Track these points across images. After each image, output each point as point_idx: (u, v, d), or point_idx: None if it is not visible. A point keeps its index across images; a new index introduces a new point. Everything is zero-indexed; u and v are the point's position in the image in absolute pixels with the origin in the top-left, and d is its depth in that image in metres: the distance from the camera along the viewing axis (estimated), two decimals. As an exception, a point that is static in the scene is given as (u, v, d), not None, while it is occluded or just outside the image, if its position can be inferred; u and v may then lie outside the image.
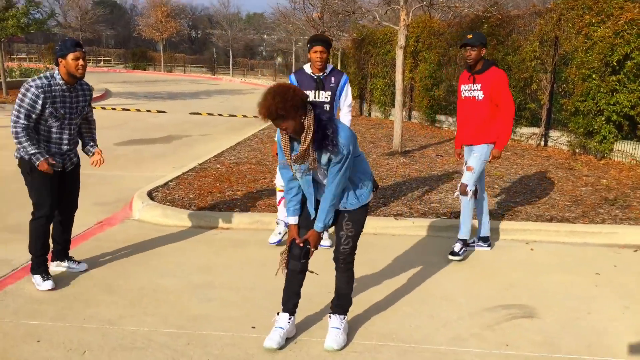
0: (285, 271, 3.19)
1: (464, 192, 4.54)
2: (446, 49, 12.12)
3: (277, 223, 4.81)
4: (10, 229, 4.97)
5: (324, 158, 2.88)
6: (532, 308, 3.67)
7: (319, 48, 4.25)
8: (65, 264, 4.05)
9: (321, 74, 4.39)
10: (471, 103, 4.53)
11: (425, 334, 3.29)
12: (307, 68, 4.44)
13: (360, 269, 4.23)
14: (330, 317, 3.24)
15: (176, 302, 3.61)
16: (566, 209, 5.79)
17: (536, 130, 10.03)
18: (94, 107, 15.78)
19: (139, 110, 15.53)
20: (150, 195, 5.82)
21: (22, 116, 3.54)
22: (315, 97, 4.37)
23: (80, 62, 3.59)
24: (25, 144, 3.57)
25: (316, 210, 3.10)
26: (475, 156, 4.52)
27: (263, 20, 51.81)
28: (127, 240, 4.75)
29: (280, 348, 3.09)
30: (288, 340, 3.17)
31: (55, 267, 4.01)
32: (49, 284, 3.71)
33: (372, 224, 5.15)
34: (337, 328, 3.17)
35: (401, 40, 8.51)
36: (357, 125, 13.39)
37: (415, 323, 3.42)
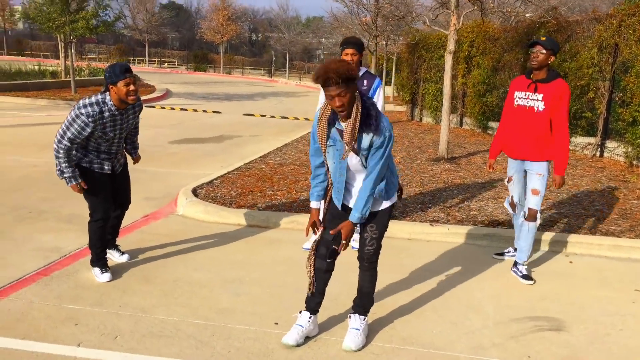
0: (312, 274, 3.21)
1: (533, 219, 4.20)
2: (501, 54, 11.86)
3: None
4: (64, 219, 5.33)
5: (366, 140, 2.83)
6: (561, 321, 3.59)
7: (350, 50, 4.28)
8: (111, 251, 4.30)
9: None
10: (527, 113, 4.13)
11: (446, 341, 3.29)
12: None
13: (389, 273, 4.28)
14: (350, 317, 3.29)
15: (207, 295, 3.78)
16: (612, 222, 5.58)
17: (592, 140, 9.65)
18: (154, 107, 16.52)
19: (195, 111, 16.08)
20: (194, 192, 6.06)
21: (66, 138, 3.59)
22: None
23: (131, 87, 3.59)
24: (63, 165, 3.67)
25: (343, 203, 3.12)
26: (540, 177, 4.15)
27: (322, 24, 52.15)
28: (169, 234, 4.99)
29: (298, 345, 3.17)
30: (308, 338, 3.26)
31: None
32: (107, 276, 3.92)
33: (407, 229, 5.16)
34: (357, 329, 3.22)
35: (451, 45, 8.43)
36: (407, 130, 13.32)
37: (437, 329, 3.43)
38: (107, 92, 3.66)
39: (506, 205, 4.59)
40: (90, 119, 3.58)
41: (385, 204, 3.11)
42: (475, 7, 8.69)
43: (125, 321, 3.37)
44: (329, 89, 2.70)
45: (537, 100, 4.09)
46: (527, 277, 4.25)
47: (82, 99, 3.66)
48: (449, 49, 8.42)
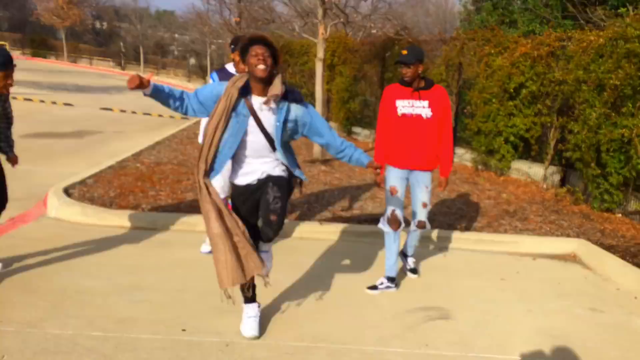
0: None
1: (424, 227, 4.33)
2: (361, 64, 12.63)
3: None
4: None
5: (293, 113, 3.07)
6: (447, 310, 3.98)
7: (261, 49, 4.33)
8: None
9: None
10: (415, 122, 4.06)
11: (354, 336, 3.45)
12: (230, 67, 4.45)
13: (287, 272, 4.35)
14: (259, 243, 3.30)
15: (102, 304, 3.51)
16: (473, 219, 6.29)
17: (444, 146, 10.71)
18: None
19: (42, 102, 14.55)
20: (66, 192, 5.54)
21: None
22: None
23: (9, 80, 3.51)
24: None
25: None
26: (427, 189, 4.23)
27: (174, 19, 50.43)
28: (45, 239, 4.51)
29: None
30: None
31: None
32: None
33: (298, 229, 5.29)
34: (268, 252, 3.37)
35: (320, 53, 8.78)
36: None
37: (343, 325, 3.59)
38: None
39: (382, 226, 4.30)
40: None
41: (284, 173, 3.18)
42: (341, 20, 9.15)
43: (10, 339, 3.00)
44: (257, 47, 2.89)
45: (424, 107, 4.06)
46: (414, 270, 4.63)
47: None
48: (319, 56, 8.76)
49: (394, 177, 4.22)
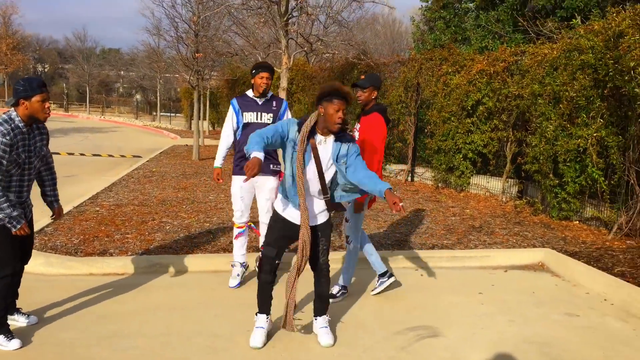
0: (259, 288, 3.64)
1: (348, 242, 4.47)
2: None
3: (233, 265, 4.74)
4: None
5: (343, 149, 3.41)
6: (435, 328, 4.01)
7: (265, 74, 4.51)
8: (15, 316, 3.72)
9: (264, 97, 4.61)
10: None
11: (349, 362, 3.43)
12: (250, 93, 4.66)
13: (278, 301, 4.28)
14: (317, 319, 3.73)
15: (86, 355, 3.33)
16: (443, 237, 6.41)
17: (404, 167, 10.95)
18: None
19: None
20: (28, 242, 5.27)
21: None
22: (258, 119, 4.57)
23: (47, 104, 3.36)
24: (4, 205, 3.25)
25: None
26: (348, 205, 4.39)
27: (120, 56, 49.78)
28: (11, 294, 4.25)
29: (263, 346, 3.55)
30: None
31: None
32: (16, 342, 3.39)
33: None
34: (326, 327, 3.70)
35: (283, 82, 8.86)
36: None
37: (337, 351, 3.55)
38: (12, 109, 3.30)
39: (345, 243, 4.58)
40: (7, 138, 3.20)
41: (328, 216, 3.61)
42: (305, 49, 9.30)
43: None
44: (341, 102, 3.26)
45: (356, 130, 4.39)
46: (332, 295, 4.41)
47: None
48: (282, 85, 8.84)
49: None
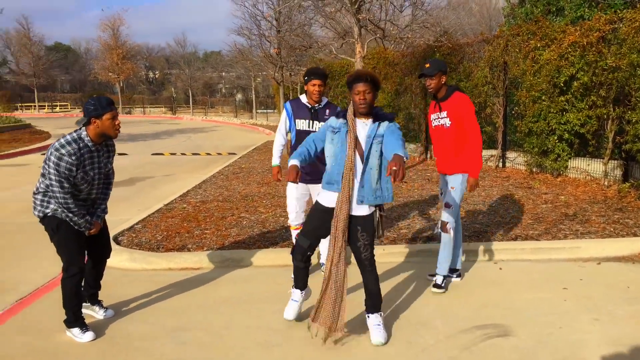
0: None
1: (445, 230, 4.39)
2: (402, 78, 12.48)
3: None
4: None
5: (382, 128, 3.43)
6: (506, 326, 3.73)
7: (317, 81, 4.41)
8: (94, 307, 4.02)
9: (317, 105, 4.54)
10: (441, 131, 4.39)
11: (405, 361, 3.29)
12: (303, 98, 4.61)
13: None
14: (369, 317, 3.62)
15: (150, 348, 3.51)
16: (529, 227, 5.96)
17: (494, 152, 10.35)
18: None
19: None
20: (116, 240, 5.69)
21: (65, 184, 3.40)
22: (310, 127, 4.54)
23: (117, 121, 3.52)
24: (75, 211, 3.49)
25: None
26: (451, 190, 4.36)
27: (220, 58, 52.17)
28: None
29: (297, 318, 3.81)
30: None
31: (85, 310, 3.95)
32: (90, 335, 3.62)
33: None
34: (379, 324, 3.58)
35: (359, 72, 8.73)
36: (321, 156, 13.51)
37: (394, 350, 3.42)
38: (83, 128, 3.46)
39: (438, 230, 4.54)
40: (73, 157, 3.40)
41: (371, 209, 3.49)
42: (378, 35, 9.08)
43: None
44: (359, 84, 3.34)
45: (444, 117, 4.34)
46: (437, 285, 4.40)
47: (54, 143, 3.43)
48: (358, 75, 8.71)
49: (440, 182, 4.63)
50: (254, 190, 8.58)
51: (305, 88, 4.54)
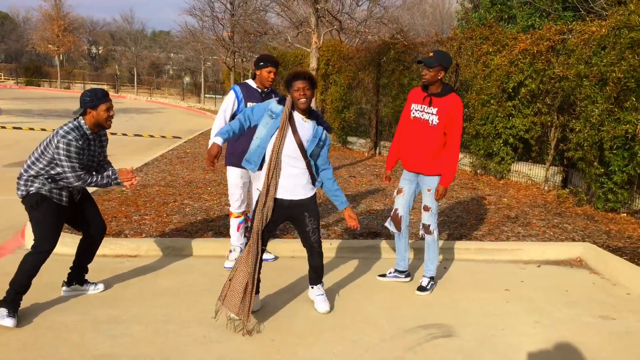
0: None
1: (428, 232, 4.32)
2: (355, 72, 12.43)
3: (231, 251, 4.69)
4: None
5: (319, 131, 3.59)
6: (450, 327, 3.72)
7: (272, 69, 4.43)
8: (90, 287, 4.01)
9: (266, 90, 4.56)
10: (422, 126, 4.15)
11: (350, 360, 3.20)
12: (252, 83, 4.57)
13: (279, 293, 4.11)
14: (312, 287, 3.90)
15: (78, 341, 3.25)
16: (473, 227, 6.04)
17: (441, 151, 10.48)
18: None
19: (32, 129, 14.39)
20: (46, 221, 5.29)
21: (78, 168, 3.51)
22: None
23: (112, 112, 3.64)
24: (97, 179, 3.60)
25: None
26: (429, 192, 4.23)
27: (170, 38, 50.53)
28: (19, 273, 4.25)
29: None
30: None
31: (71, 292, 3.94)
32: (11, 321, 3.41)
33: (289, 247, 5.04)
34: (322, 294, 3.90)
35: (313, 63, 8.59)
36: (269, 146, 13.29)
37: (338, 349, 3.33)
38: (80, 118, 3.56)
39: (388, 225, 4.50)
40: (80, 142, 3.51)
41: (314, 190, 3.67)
42: (335, 27, 8.96)
43: (-27, 386, 2.75)
44: (298, 82, 3.46)
45: (432, 114, 4.11)
46: (422, 288, 4.34)
47: (57, 132, 3.50)
48: (312, 66, 8.57)
49: (403, 178, 4.42)
50: (198, 177, 8.29)
51: (258, 73, 4.49)
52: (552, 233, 5.95)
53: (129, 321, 3.54)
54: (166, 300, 3.90)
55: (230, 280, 3.47)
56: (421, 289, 4.34)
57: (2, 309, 3.43)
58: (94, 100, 3.55)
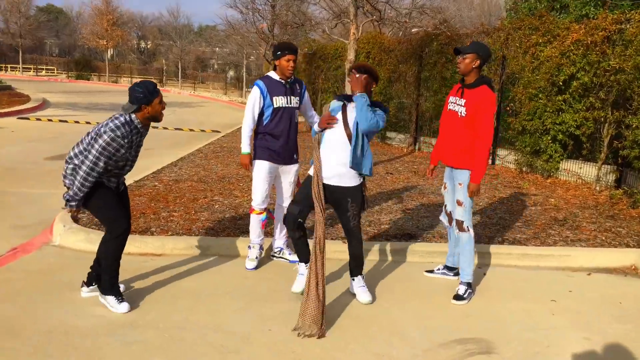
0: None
1: (462, 229, 4.06)
2: (396, 65, 12.04)
3: (250, 247, 4.53)
4: None
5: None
6: (489, 342, 3.41)
7: (291, 56, 4.26)
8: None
9: (289, 79, 4.38)
10: (453, 118, 4.03)
11: (374, 378, 2.95)
12: (273, 75, 4.37)
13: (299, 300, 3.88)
14: (354, 280, 3.91)
15: (90, 348, 3.12)
16: (517, 230, 5.65)
17: (485, 148, 10.01)
18: (28, 118, 14.87)
19: (77, 122, 14.70)
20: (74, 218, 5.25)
21: (100, 165, 3.42)
22: (288, 103, 4.37)
23: (164, 104, 3.59)
24: (84, 190, 3.46)
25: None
26: (460, 187, 4.03)
27: (215, 32, 51.07)
28: (41, 271, 4.20)
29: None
30: None
31: (91, 293, 3.81)
32: (125, 306, 3.56)
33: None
34: (364, 286, 3.91)
35: (351, 55, 8.30)
36: (307, 141, 13.09)
37: (363, 364, 3.08)
38: (132, 113, 3.46)
39: (442, 218, 4.40)
40: (126, 140, 3.45)
41: (359, 180, 3.72)
42: (374, 17, 8.64)
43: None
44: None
45: (461, 105, 3.97)
46: (458, 297, 4.02)
47: (106, 123, 3.44)
48: (349, 58, 8.29)
49: (445, 174, 4.32)
50: (232, 172, 8.16)
51: (277, 63, 4.31)
52: (603, 238, 5.49)
53: (144, 326, 3.39)
54: (186, 304, 3.74)
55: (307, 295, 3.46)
56: (458, 297, 4.02)
57: (110, 297, 3.55)
58: (147, 95, 3.46)
